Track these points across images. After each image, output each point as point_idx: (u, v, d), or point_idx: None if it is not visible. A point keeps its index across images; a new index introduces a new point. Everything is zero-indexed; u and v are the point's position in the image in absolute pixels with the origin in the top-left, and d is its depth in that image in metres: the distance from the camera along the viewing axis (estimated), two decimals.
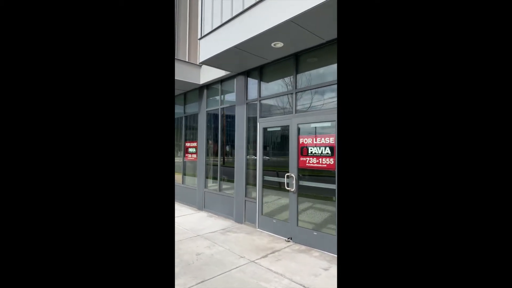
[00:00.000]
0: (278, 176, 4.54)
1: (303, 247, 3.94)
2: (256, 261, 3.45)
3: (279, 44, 3.92)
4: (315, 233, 3.85)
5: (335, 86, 3.77)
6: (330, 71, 3.87)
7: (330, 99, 3.87)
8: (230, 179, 5.63)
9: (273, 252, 3.74)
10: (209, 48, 4.49)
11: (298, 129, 4.14)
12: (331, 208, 3.77)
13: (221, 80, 5.84)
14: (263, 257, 3.58)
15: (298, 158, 4.12)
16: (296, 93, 4.25)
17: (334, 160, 3.67)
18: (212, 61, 4.69)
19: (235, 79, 5.41)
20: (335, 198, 3.68)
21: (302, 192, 4.13)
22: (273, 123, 4.58)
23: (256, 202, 4.85)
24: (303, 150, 4.07)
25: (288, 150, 4.30)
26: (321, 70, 3.98)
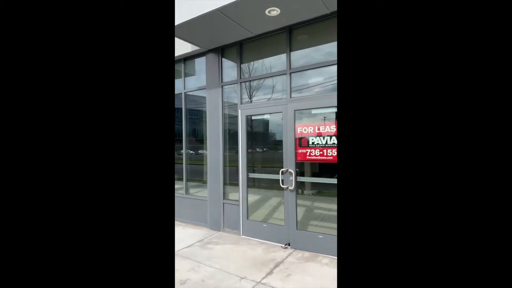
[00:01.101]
0: (268, 172, 3.86)
1: (306, 253, 3.39)
2: (263, 281, 2.74)
3: (275, 12, 3.19)
4: (320, 236, 3.33)
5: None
6: (332, 48, 3.34)
7: (333, 80, 3.35)
8: (200, 179, 4.70)
9: (277, 265, 3.08)
10: (178, 11, 3.46)
11: (295, 116, 3.51)
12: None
13: (184, 59, 4.78)
14: (269, 273, 2.89)
15: (296, 150, 3.51)
16: (290, 73, 3.60)
17: None
18: (181, 31, 3.66)
19: (205, 57, 4.45)
20: None
21: (302, 189, 3.55)
22: (260, 110, 3.84)
23: (239, 205, 4.07)
24: (301, 141, 3.47)
25: (281, 142, 3.65)
26: (322, 47, 3.41)
